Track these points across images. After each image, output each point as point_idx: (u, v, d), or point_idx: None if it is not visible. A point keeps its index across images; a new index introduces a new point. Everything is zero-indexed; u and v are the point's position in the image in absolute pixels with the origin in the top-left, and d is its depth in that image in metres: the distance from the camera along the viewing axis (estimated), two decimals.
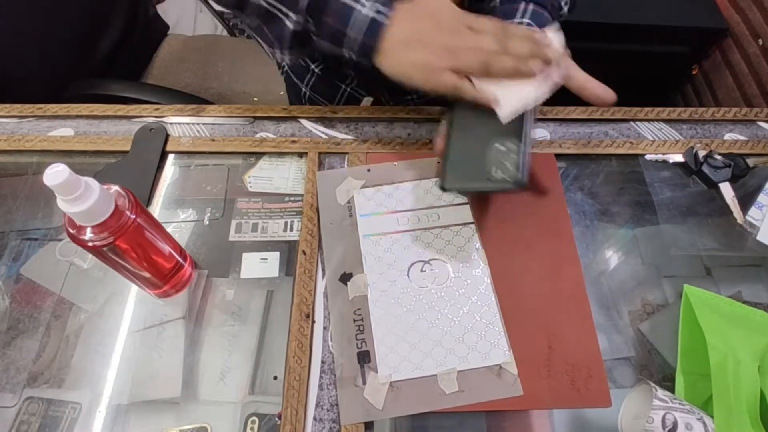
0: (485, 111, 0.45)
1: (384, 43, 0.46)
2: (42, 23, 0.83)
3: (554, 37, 0.46)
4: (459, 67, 0.45)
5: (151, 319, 0.49)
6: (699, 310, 0.47)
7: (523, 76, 0.44)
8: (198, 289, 0.50)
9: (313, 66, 0.71)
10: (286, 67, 0.78)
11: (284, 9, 0.48)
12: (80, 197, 0.34)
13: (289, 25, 0.49)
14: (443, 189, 0.47)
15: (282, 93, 1.00)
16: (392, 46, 0.46)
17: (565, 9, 0.57)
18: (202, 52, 1.10)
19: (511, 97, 0.45)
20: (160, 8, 1.16)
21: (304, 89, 0.75)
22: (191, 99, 0.88)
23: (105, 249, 0.38)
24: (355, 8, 0.46)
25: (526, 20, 0.53)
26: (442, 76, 0.45)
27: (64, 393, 0.45)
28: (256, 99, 1.04)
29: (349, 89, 0.70)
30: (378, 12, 0.46)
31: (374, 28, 0.46)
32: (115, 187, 0.39)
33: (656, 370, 0.47)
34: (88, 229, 0.36)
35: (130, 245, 0.39)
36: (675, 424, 0.38)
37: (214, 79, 1.06)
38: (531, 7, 0.54)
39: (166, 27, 1.16)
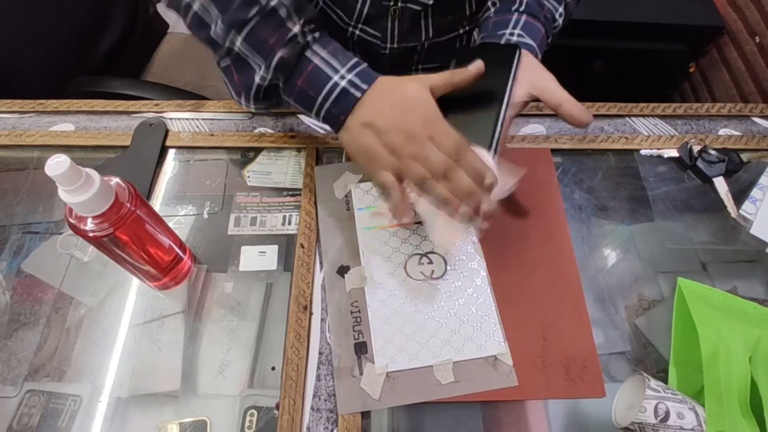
0: (457, 113, 0.46)
1: (348, 118, 0.45)
2: (43, 21, 0.83)
3: (504, 182, 0.46)
4: (397, 171, 0.44)
5: (151, 313, 0.49)
6: (692, 302, 0.47)
7: (447, 211, 0.44)
8: (197, 283, 0.51)
9: None
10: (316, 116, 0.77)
11: (256, 60, 0.45)
12: (81, 188, 0.34)
13: (257, 78, 0.46)
14: None
15: None
16: (353, 123, 0.45)
17: (560, 21, 0.56)
18: (202, 51, 1.10)
19: (435, 226, 0.46)
20: (161, 7, 1.16)
21: None
22: (191, 97, 0.88)
23: (105, 240, 0.38)
24: (331, 78, 0.44)
25: (517, 31, 0.52)
26: (380, 173, 0.45)
27: (65, 386, 0.45)
28: None
29: None
30: (353, 84, 0.44)
31: (345, 100, 0.45)
32: (115, 179, 0.39)
33: (651, 364, 0.47)
34: (89, 220, 0.37)
35: (129, 236, 0.40)
36: (667, 413, 0.38)
37: (214, 77, 1.06)
38: (524, 18, 0.53)
39: (166, 26, 1.17)
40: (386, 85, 0.45)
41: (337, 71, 0.45)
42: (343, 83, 0.44)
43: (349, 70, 0.45)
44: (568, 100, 0.47)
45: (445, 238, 0.47)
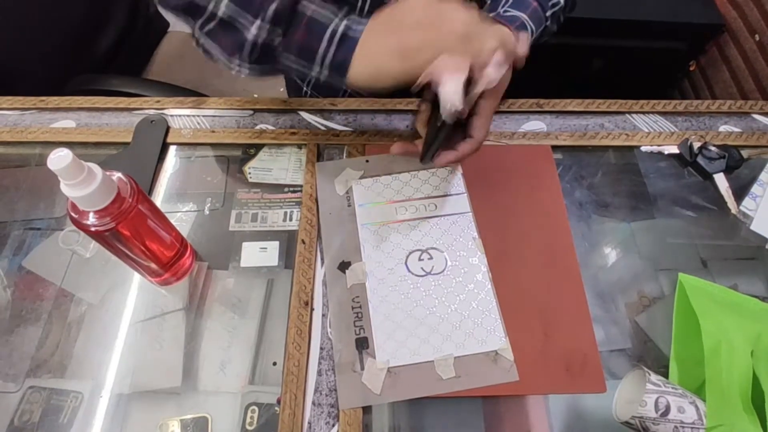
0: None
1: (355, 55, 0.44)
2: (44, 20, 0.83)
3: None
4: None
5: (152, 309, 0.49)
6: (693, 296, 0.47)
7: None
8: (198, 279, 0.51)
9: None
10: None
11: (248, 17, 0.44)
12: (83, 182, 0.35)
13: (250, 35, 0.44)
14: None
15: (282, 90, 1.01)
16: (363, 47, 0.44)
17: (562, 1, 0.55)
18: None
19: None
20: None
21: (305, 88, 0.75)
22: (192, 95, 0.88)
23: (107, 234, 0.38)
24: (328, 25, 0.44)
25: (506, 7, 0.51)
26: (420, 56, 0.42)
27: (66, 382, 0.46)
28: (255, 96, 1.04)
29: (349, 90, 0.71)
30: (349, 27, 0.44)
31: (347, 44, 0.44)
32: (117, 174, 0.39)
33: (652, 361, 0.48)
34: (91, 214, 0.37)
35: (131, 231, 0.40)
36: (668, 408, 0.38)
37: (214, 76, 1.06)
38: None
39: (167, 24, 1.17)
40: (379, 17, 0.44)
41: (331, 20, 0.44)
42: (342, 27, 0.44)
43: (343, 17, 0.44)
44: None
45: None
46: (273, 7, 0.43)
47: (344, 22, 0.44)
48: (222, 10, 0.44)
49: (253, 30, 0.44)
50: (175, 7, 0.46)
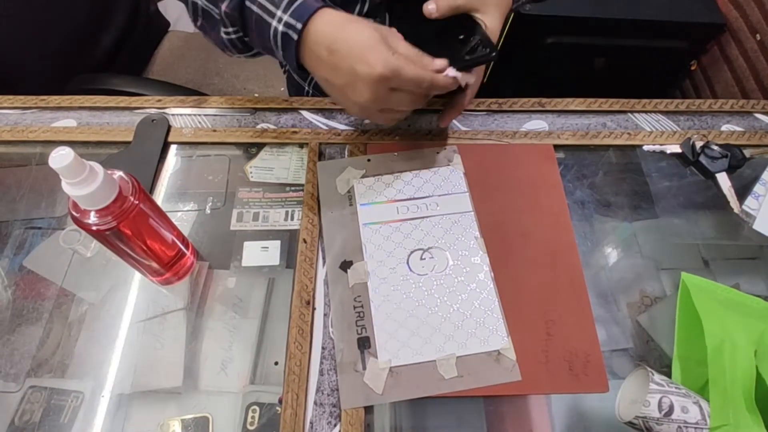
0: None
1: (306, 62, 0.44)
2: (45, 19, 0.83)
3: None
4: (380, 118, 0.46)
5: (153, 309, 0.49)
6: (696, 296, 0.47)
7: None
8: (200, 279, 0.51)
9: None
10: (288, 66, 0.77)
11: (214, 12, 0.46)
12: (85, 181, 0.34)
13: (223, 34, 0.47)
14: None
15: (282, 89, 1.01)
16: (313, 71, 0.45)
17: None
18: (202, 49, 1.10)
19: None
20: (161, 5, 1.17)
21: (306, 87, 0.75)
22: (193, 94, 0.88)
23: (108, 233, 0.38)
24: (270, 23, 0.43)
25: None
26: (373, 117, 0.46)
27: (67, 382, 0.45)
28: (256, 95, 1.04)
29: None
30: (289, 26, 0.42)
31: (289, 46, 0.43)
32: (119, 173, 0.39)
33: (654, 361, 0.47)
34: (92, 213, 0.37)
35: (133, 230, 0.40)
36: (671, 407, 0.38)
37: (215, 75, 1.06)
38: None
39: (168, 24, 1.17)
40: (335, 26, 0.42)
41: (273, 15, 0.43)
42: (281, 27, 0.42)
43: (285, 9, 0.42)
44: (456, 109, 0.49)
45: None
46: (223, 8, 0.44)
47: (284, 19, 0.42)
48: (200, 3, 0.46)
49: (222, 29, 0.46)
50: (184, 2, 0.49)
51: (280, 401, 0.44)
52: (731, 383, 0.41)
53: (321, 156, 0.58)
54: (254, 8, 0.43)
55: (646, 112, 0.63)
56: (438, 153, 0.57)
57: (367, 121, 0.58)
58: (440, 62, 0.43)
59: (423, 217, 0.53)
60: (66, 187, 0.35)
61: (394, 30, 0.44)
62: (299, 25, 0.42)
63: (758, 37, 1.00)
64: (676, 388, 0.40)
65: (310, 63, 0.44)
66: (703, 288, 0.49)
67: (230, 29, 0.46)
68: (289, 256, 0.52)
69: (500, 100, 0.62)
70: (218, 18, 0.45)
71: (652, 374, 0.41)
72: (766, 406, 0.41)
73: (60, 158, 0.33)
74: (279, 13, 0.42)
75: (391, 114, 0.46)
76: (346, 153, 0.58)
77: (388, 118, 0.47)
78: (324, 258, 0.51)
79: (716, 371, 0.42)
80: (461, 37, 0.46)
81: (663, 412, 0.39)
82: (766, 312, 0.48)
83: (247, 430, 0.43)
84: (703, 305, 0.46)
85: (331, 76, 0.43)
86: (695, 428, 0.38)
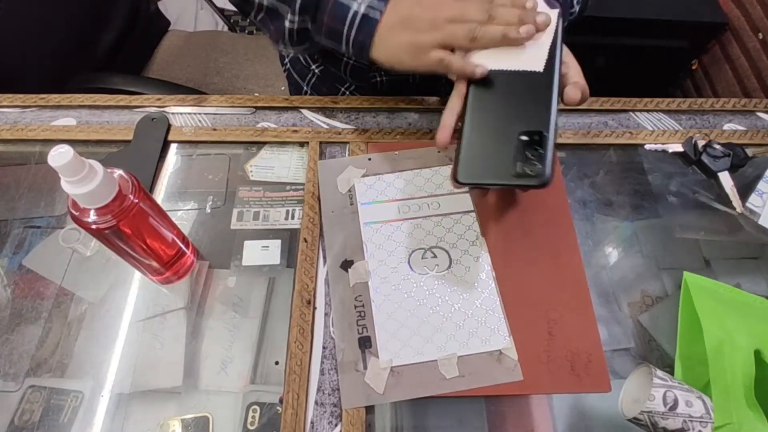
0: (506, 92, 0.43)
1: (375, 37, 0.46)
2: (45, 18, 0.83)
3: (545, 5, 0.44)
4: (445, 41, 0.44)
5: (153, 308, 0.49)
6: (696, 296, 0.47)
7: (511, 43, 0.43)
8: (200, 278, 0.50)
9: (313, 66, 0.72)
10: (288, 65, 0.78)
11: (284, 7, 0.49)
12: (84, 179, 0.34)
13: (287, 23, 0.49)
14: (457, 182, 0.41)
15: (283, 88, 1.00)
16: (381, 35, 0.46)
17: (576, 8, 0.55)
18: (203, 48, 1.10)
19: (503, 63, 0.43)
20: (161, 5, 1.17)
21: (305, 88, 0.75)
22: (193, 93, 0.88)
23: (108, 232, 0.38)
24: (350, 6, 0.46)
25: None
26: (429, 53, 0.44)
27: (66, 381, 0.45)
28: (257, 95, 1.04)
29: (347, 93, 0.71)
30: (370, 7, 0.46)
31: (368, 25, 0.46)
32: (118, 171, 0.39)
33: (656, 360, 0.47)
34: (92, 212, 0.37)
35: (132, 229, 0.40)
36: (676, 401, 0.38)
37: (215, 74, 1.06)
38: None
39: (167, 23, 1.17)
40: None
41: (357, 1, 0.47)
42: (362, 9, 0.46)
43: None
44: (575, 76, 0.44)
45: (529, 60, 0.43)
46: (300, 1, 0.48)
47: (366, 3, 0.46)
48: (266, 2, 0.50)
49: (288, 19, 0.49)
50: (233, 2, 0.54)
51: (281, 401, 0.44)
52: (732, 382, 0.41)
53: (322, 155, 0.58)
54: None
55: (647, 111, 0.63)
56: (439, 152, 0.57)
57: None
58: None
59: (424, 217, 0.52)
60: (65, 185, 0.35)
61: None
62: (382, 6, 0.46)
63: (760, 35, 1.00)
64: (678, 383, 0.40)
65: (381, 29, 0.46)
66: (704, 287, 0.49)
67: (296, 18, 0.49)
68: (289, 256, 0.52)
69: None
70: (287, 12, 0.49)
71: (655, 370, 0.40)
72: (767, 402, 0.41)
73: (59, 156, 0.33)
74: (359, 0, 0.47)
75: (459, 28, 0.43)
76: (347, 152, 0.58)
77: (458, 32, 0.43)
78: (325, 257, 0.51)
79: (717, 371, 0.42)
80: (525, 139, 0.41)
81: (668, 406, 0.38)
82: None
83: (247, 430, 0.43)
84: (703, 305, 0.46)
85: (399, 19, 0.45)
86: (700, 422, 0.38)
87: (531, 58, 0.43)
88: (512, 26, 0.42)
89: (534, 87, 0.43)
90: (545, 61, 0.43)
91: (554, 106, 0.42)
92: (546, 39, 0.43)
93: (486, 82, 0.44)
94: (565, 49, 0.46)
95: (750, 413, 0.40)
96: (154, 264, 0.45)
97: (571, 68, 0.45)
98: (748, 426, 0.40)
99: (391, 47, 0.46)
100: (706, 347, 0.43)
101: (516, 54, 0.43)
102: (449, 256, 0.50)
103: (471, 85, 0.44)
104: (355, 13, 0.46)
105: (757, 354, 0.43)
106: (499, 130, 0.42)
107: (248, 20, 0.54)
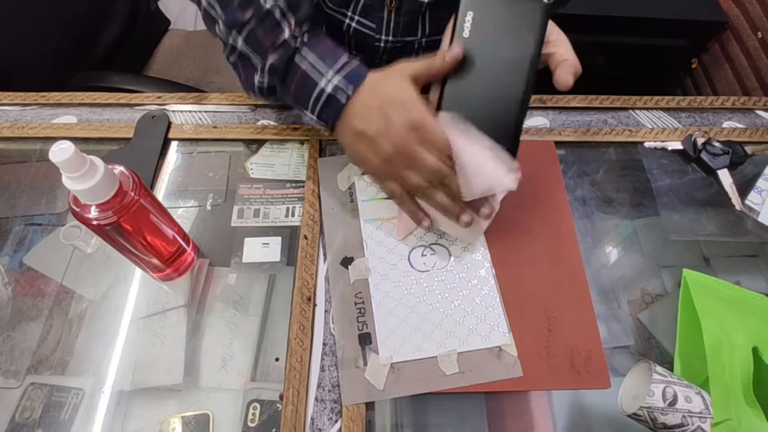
0: (478, 102, 0.44)
1: (338, 123, 0.46)
2: (46, 17, 0.83)
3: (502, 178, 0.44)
4: (399, 180, 0.45)
5: (154, 306, 0.49)
6: (696, 293, 0.47)
7: (450, 218, 0.46)
8: (200, 276, 0.51)
9: None
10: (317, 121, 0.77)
11: (256, 60, 0.47)
12: (85, 175, 0.34)
13: (257, 78, 0.48)
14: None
15: None
16: (345, 129, 0.46)
17: None
18: (203, 47, 1.10)
19: (452, 225, 0.47)
20: (162, 4, 1.16)
21: None
22: (193, 92, 0.88)
23: (109, 228, 0.38)
24: (318, 83, 0.45)
25: None
26: (385, 183, 0.47)
27: (67, 379, 0.45)
28: None
29: None
30: (338, 89, 0.45)
31: (333, 106, 0.45)
32: (119, 167, 0.39)
33: (655, 358, 0.47)
34: (93, 208, 0.37)
35: (133, 226, 0.40)
36: (675, 397, 0.38)
37: (215, 73, 1.06)
38: None
39: (168, 22, 1.17)
40: (372, 83, 0.45)
41: (323, 76, 0.45)
42: (329, 89, 0.45)
43: (338, 72, 0.45)
44: (567, 65, 0.44)
45: (465, 235, 0.48)
46: (270, 60, 0.46)
47: (335, 82, 0.45)
48: (239, 46, 0.47)
49: (257, 75, 0.48)
50: (212, 34, 0.51)
51: (281, 397, 0.44)
52: (731, 379, 0.41)
53: (322, 152, 0.58)
54: (303, 65, 0.46)
55: (647, 109, 0.63)
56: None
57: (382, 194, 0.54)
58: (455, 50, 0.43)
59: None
60: (66, 181, 0.35)
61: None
62: (350, 90, 0.44)
63: (759, 34, 1.00)
64: (678, 379, 0.40)
65: (344, 119, 0.46)
66: (704, 284, 0.49)
67: (266, 78, 0.47)
68: (289, 253, 0.52)
69: None
70: (258, 66, 0.47)
71: (654, 366, 0.40)
72: (765, 399, 0.41)
73: (60, 152, 0.33)
74: (330, 74, 0.45)
75: (411, 177, 0.44)
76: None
77: (409, 180, 0.45)
78: (325, 254, 0.51)
79: (716, 368, 0.42)
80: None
81: (667, 402, 0.38)
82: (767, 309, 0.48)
83: (247, 427, 0.43)
84: (702, 302, 0.46)
85: (364, 125, 0.44)
86: (699, 417, 0.38)
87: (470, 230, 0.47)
88: (456, 207, 0.45)
89: (503, 99, 0.44)
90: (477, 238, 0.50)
91: (521, 115, 0.45)
92: (483, 224, 0.47)
93: (460, 94, 0.45)
94: (552, 26, 0.45)
95: (749, 410, 0.40)
96: (155, 261, 0.45)
97: (560, 45, 0.45)
98: (746, 422, 0.40)
99: (350, 148, 0.47)
100: (705, 345, 0.43)
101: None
102: (449, 253, 0.50)
103: (447, 83, 0.45)
104: (322, 91, 0.45)
105: (755, 351, 0.43)
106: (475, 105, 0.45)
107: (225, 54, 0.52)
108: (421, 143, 0.43)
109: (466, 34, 0.44)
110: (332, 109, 0.45)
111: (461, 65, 0.44)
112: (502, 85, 0.44)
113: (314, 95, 0.46)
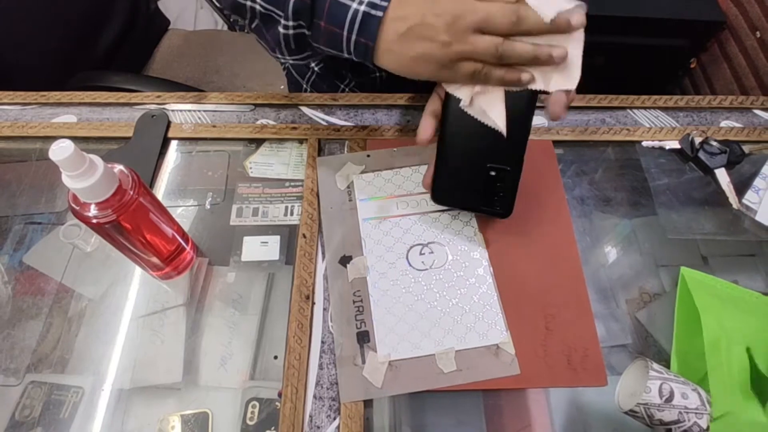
0: (479, 123, 0.43)
1: (380, 41, 0.42)
2: (46, 16, 0.83)
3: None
4: (468, 55, 0.40)
5: (153, 304, 0.49)
6: (695, 290, 0.47)
7: (541, 63, 0.40)
8: (199, 274, 0.51)
9: (313, 64, 0.72)
10: (287, 63, 0.78)
11: (277, 12, 0.44)
12: (85, 173, 0.35)
13: (281, 29, 0.45)
14: (434, 200, 0.49)
15: (282, 87, 1.01)
16: (389, 41, 0.42)
17: None
18: (202, 47, 1.11)
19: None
20: (161, 4, 1.17)
21: (305, 86, 0.75)
22: (192, 91, 0.88)
23: (108, 227, 0.38)
24: (349, 6, 0.42)
25: None
26: (456, 66, 0.41)
27: (67, 377, 0.45)
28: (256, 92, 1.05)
29: (347, 89, 0.71)
30: (371, 5, 0.41)
31: (369, 25, 0.41)
32: (119, 166, 0.39)
33: (652, 356, 0.47)
34: (92, 206, 0.37)
35: (132, 224, 0.40)
36: (671, 393, 0.39)
37: (214, 73, 1.06)
38: None
39: (167, 22, 1.17)
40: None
41: (356, 0, 0.42)
42: (363, 8, 0.41)
43: None
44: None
45: (563, 79, 0.42)
46: (291, 3, 0.43)
47: (366, 1, 0.41)
48: (258, 6, 0.45)
49: (282, 24, 0.45)
50: (227, 8, 0.48)
51: (280, 395, 0.44)
52: (729, 375, 0.41)
53: (320, 152, 0.58)
54: None
55: (645, 108, 0.63)
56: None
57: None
58: None
59: (422, 213, 0.53)
60: (66, 179, 0.35)
61: None
62: (384, 3, 0.41)
63: (758, 34, 1.01)
64: (674, 376, 0.40)
65: (383, 36, 0.42)
66: (702, 282, 0.49)
67: (291, 23, 0.44)
68: (288, 251, 0.52)
69: None
70: (282, 16, 0.44)
71: (651, 363, 0.41)
72: (763, 392, 0.41)
73: (60, 150, 0.33)
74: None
75: (481, 37, 0.39)
76: (346, 149, 0.58)
77: (482, 43, 0.39)
78: (323, 253, 0.51)
79: (715, 363, 0.42)
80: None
81: (664, 398, 0.39)
82: (765, 308, 0.48)
83: (246, 426, 0.44)
84: (701, 300, 0.46)
85: (408, 22, 0.40)
86: (695, 413, 0.38)
87: (563, 77, 0.41)
88: (542, 47, 0.40)
89: (510, 116, 0.43)
90: (578, 79, 0.41)
91: (526, 140, 0.45)
92: (576, 53, 0.41)
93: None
94: None
95: (746, 403, 0.40)
96: (154, 259, 0.46)
97: None
98: (746, 415, 0.40)
99: (404, 58, 0.42)
100: (704, 340, 0.44)
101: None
102: (447, 252, 0.51)
103: (448, 104, 0.45)
104: (356, 12, 0.41)
105: (749, 352, 0.44)
106: (472, 159, 0.46)
107: (246, 29, 0.49)
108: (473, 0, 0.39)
109: None
110: (370, 29, 0.41)
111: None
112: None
113: (348, 21, 0.42)
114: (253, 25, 0.48)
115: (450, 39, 0.40)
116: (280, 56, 0.48)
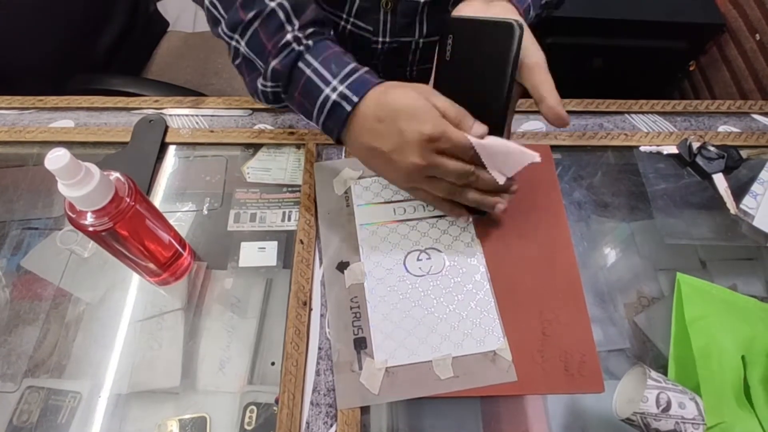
0: (462, 101, 0.43)
1: (347, 134, 0.45)
2: (43, 19, 0.83)
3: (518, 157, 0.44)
4: (428, 190, 0.46)
5: (151, 309, 0.49)
6: (687, 298, 0.47)
7: (485, 209, 0.47)
8: (197, 279, 0.51)
9: None
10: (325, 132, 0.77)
11: (260, 63, 0.46)
12: (81, 182, 0.35)
13: (259, 84, 0.46)
14: None
15: None
16: (356, 145, 0.45)
17: None
18: (201, 49, 1.10)
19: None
20: (161, 5, 1.17)
21: None
22: (191, 94, 0.88)
23: (105, 234, 0.38)
24: (323, 90, 0.43)
25: None
26: (413, 193, 0.48)
27: (64, 382, 0.46)
28: None
29: None
30: (344, 97, 0.43)
31: (338, 114, 0.43)
32: (115, 174, 0.39)
33: (651, 361, 0.47)
34: (89, 214, 0.37)
35: (129, 231, 0.40)
36: (669, 403, 0.39)
37: (213, 75, 1.06)
38: None
39: (166, 24, 1.17)
40: (379, 92, 0.43)
41: (328, 83, 0.43)
42: (334, 96, 0.43)
43: (342, 80, 0.43)
44: (550, 95, 0.44)
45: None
46: (272, 65, 0.45)
47: (339, 89, 0.43)
48: (242, 49, 0.46)
49: (260, 80, 0.46)
50: (216, 36, 0.49)
51: (277, 401, 0.44)
52: (721, 383, 0.41)
53: (318, 157, 0.58)
54: (307, 71, 0.44)
55: (643, 113, 0.63)
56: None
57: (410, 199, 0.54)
58: (479, 128, 0.42)
59: (420, 219, 0.53)
60: (62, 188, 0.35)
61: (433, 90, 0.44)
62: (355, 99, 0.43)
63: (758, 37, 1.01)
64: (672, 384, 0.40)
65: (353, 133, 0.45)
66: (697, 288, 0.49)
67: (269, 83, 0.46)
68: (286, 257, 0.52)
69: None
70: (261, 70, 0.46)
71: (649, 371, 0.41)
72: (755, 405, 0.41)
73: (56, 159, 0.33)
74: (335, 82, 0.43)
75: (437, 184, 0.44)
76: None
77: (436, 188, 0.45)
78: (321, 259, 0.51)
79: (706, 373, 0.42)
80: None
81: (661, 408, 0.39)
82: (761, 313, 0.48)
83: (244, 430, 0.44)
84: (692, 307, 0.46)
85: (377, 142, 0.43)
86: (692, 424, 0.38)
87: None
88: (489, 199, 0.46)
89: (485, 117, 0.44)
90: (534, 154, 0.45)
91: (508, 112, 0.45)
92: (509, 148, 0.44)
93: None
94: (530, 45, 0.44)
95: (740, 412, 0.40)
96: (151, 266, 0.46)
97: (544, 86, 0.44)
98: (741, 425, 0.40)
99: (365, 160, 0.47)
100: (693, 352, 0.44)
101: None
102: (444, 258, 0.51)
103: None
104: (326, 98, 0.43)
105: (743, 359, 0.44)
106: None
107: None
108: (440, 152, 0.42)
109: (447, 57, 0.46)
110: (337, 118, 0.44)
111: (445, 87, 0.45)
112: (482, 104, 0.44)
113: (318, 103, 0.44)
114: (235, 63, 0.49)
115: (410, 178, 0.45)
116: (257, 101, 0.50)
